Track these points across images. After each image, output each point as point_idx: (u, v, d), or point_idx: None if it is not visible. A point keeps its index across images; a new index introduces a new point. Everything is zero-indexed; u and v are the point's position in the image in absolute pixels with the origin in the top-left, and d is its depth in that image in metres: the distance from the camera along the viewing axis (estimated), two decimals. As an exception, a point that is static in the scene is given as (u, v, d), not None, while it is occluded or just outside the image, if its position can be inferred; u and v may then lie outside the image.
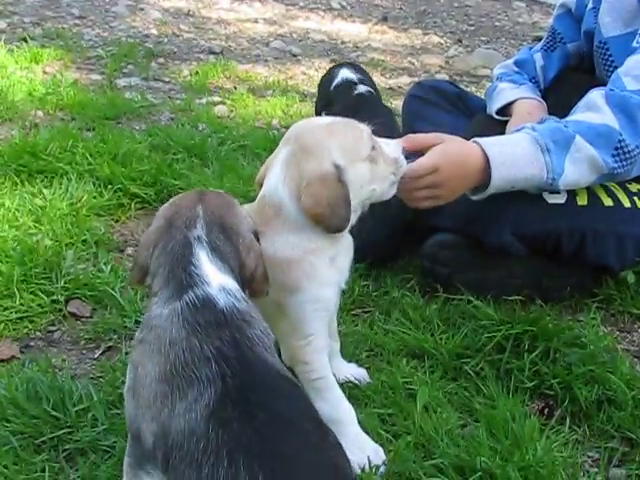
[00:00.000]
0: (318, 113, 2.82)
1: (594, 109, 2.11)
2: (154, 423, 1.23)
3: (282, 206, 1.61)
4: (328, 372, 1.68)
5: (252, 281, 1.43)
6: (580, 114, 2.13)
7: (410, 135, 1.98)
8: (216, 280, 1.34)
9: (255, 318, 1.35)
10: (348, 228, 1.66)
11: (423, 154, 1.94)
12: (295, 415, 1.22)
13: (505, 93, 2.64)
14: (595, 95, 2.14)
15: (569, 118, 2.12)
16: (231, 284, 1.36)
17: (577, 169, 2.05)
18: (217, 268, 1.36)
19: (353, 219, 1.67)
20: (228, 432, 1.15)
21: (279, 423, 1.18)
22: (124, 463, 1.38)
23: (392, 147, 1.76)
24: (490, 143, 2.02)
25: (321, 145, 1.62)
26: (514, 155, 2.01)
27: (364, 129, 1.69)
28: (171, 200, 1.50)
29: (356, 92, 2.79)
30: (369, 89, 2.85)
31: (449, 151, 1.96)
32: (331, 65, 3.15)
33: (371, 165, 1.67)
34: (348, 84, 2.78)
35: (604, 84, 2.34)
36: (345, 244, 1.72)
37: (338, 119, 1.73)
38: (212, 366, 1.22)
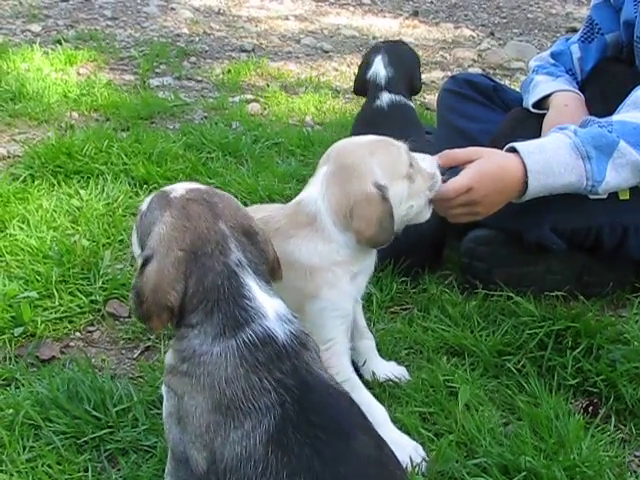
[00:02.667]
0: (356, 92, 2.82)
1: None
2: (205, 451, 1.22)
3: (318, 217, 1.65)
4: (352, 374, 1.71)
5: (272, 271, 1.40)
6: (626, 113, 2.07)
7: (447, 151, 1.95)
8: (271, 309, 1.28)
9: (305, 333, 1.32)
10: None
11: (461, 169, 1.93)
12: (353, 430, 1.20)
13: (542, 86, 2.60)
14: None
15: (615, 117, 2.05)
16: (281, 306, 1.31)
17: (619, 175, 2.00)
18: (266, 292, 1.30)
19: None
20: (288, 455, 1.14)
21: (339, 441, 1.17)
22: None
23: (428, 163, 1.78)
24: (529, 151, 1.97)
25: (362, 165, 1.64)
26: (553, 163, 1.96)
27: (401, 147, 1.71)
28: (168, 221, 1.31)
29: (376, 104, 2.60)
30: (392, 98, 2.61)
31: (484, 169, 1.93)
32: None
33: (409, 182, 1.69)
34: (374, 84, 2.69)
35: (644, 75, 2.30)
36: (368, 262, 1.75)
37: (376, 138, 1.73)
38: (272, 396, 1.19)
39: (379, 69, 2.61)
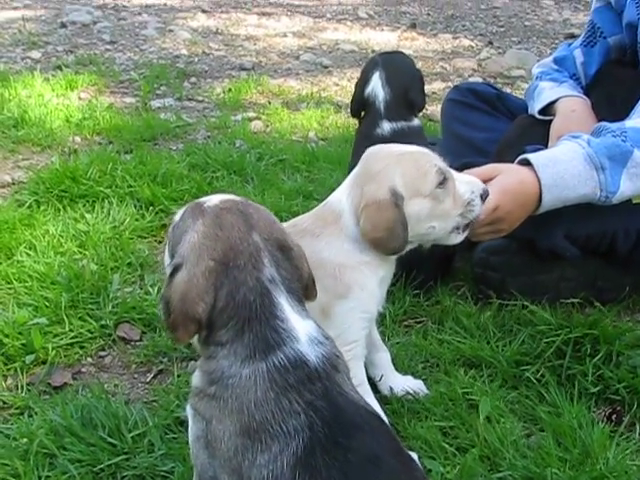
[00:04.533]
0: (353, 114, 2.71)
1: None
2: (235, 475, 1.18)
3: (342, 215, 1.66)
4: (365, 379, 1.72)
5: (306, 289, 1.35)
6: (638, 118, 2.05)
7: (466, 171, 1.92)
8: (303, 331, 1.24)
9: (336, 353, 1.28)
10: (403, 252, 1.67)
11: None
12: (383, 452, 1.17)
13: (547, 92, 2.58)
14: None
15: (628, 124, 2.02)
16: (314, 328, 1.27)
17: (634, 184, 1.97)
18: (298, 313, 1.26)
19: (407, 248, 1.67)
20: (315, 478, 1.10)
21: (368, 464, 1.13)
22: None
23: (468, 186, 1.71)
24: (543, 164, 1.94)
25: (384, 171, 1.63)
26: (567, 175, 1.93)
27: (436, 164, 1.66)
28: (200, 229, 1.27)
29: (377, 132, 2.46)
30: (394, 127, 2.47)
31: (506, 186, 1.90)
32: None
33: (433, 202, 1.64)
34: (374, 108, 2.50)
35: (650, 77, 2.28)
36: (391, 268, 1.73)
37: (414, 149, 1.71)
38: (301, 418, 1.15)
39: (377, 89, 2.49)
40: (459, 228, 1.72)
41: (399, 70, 2.59)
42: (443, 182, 1.64)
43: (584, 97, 2.54)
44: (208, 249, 1.24)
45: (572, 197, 1.96)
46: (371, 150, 1.73)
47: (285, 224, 1.48)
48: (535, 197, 1.94)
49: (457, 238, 1.74)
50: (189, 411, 1.30)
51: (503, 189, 1.88)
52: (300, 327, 1.24)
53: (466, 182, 1.71)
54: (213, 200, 1.33)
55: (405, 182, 1.62)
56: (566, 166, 1.94)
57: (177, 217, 1.38)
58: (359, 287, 1.64)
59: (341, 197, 1.68)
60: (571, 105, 2.49)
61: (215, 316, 1.23)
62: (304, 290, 1.33)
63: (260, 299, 1.23)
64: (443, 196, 1.65)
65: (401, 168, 1.63)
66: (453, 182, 1.67)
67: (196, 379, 1.29)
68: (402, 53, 2.80)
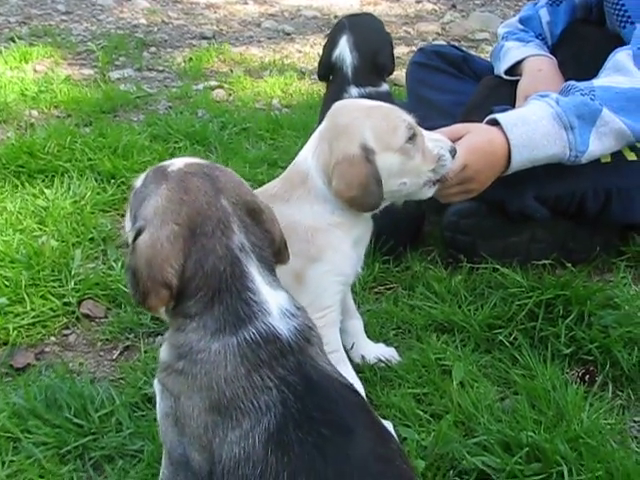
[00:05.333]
0: (321, 78, 2.64)
1: (622, 71, 2.01)
2: (205, 452, 1.14)
3: (309, 176, 1.61)
4: (341, 346, 1.68)
5: (278, 253, 1.30)
6: (607, 77, 2.02)
7: (434, 131, 1.88)
8: (275, 304, 1.19)
9: (309, 324, 1.24)
10: (378, 210, 1.64)
11: None
12: (357, 425, 1.13)
13: (513, 52, 2.55)
14: (622, 56, 2.04)
15: (596, 82, 1.99)
16: (285, 300, 1.22)
17: (603, 143, 1.95)
18: (269, 284, 1.21)
19: (380, 206, 1.63)
20: (289, 454, 1.07)
21: (343, 438, 1.10)
22: None
23: (437, 144, 1.68)
24: (512, 123, 1.91)
25: (353, 125, 1.58)
26: (536, 135, 1.91)
27: (405, 119, 1.62)
28: (164, 193, 1.20)
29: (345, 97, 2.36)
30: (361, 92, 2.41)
31: (475, 145, 1.86)
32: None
33: (403, 157, 1.60)
34: (342, 73, 2.43)
35: (615, 36, 2.25)
36: (366, 228, 1.70)
37: (383, 105, 1.66)
38: (273, 393, 1.11)
39: (345, 54, 2.42)
40: (430, 182, 1.68)
41: (367, 34, 2.52)
42: (412, 137, 1.60)
43: (551, 56, 2.51)
44: (172, 213, 1.18)
45: (541, 157, 1.94)
46: (338, 104, 1.68)
47: (254, 192, 1.42)
48: (504, 157, 1.91)
49: (428, 192, 1.70)
50: (157, 387, 1.25)
51: (471, 147, 1.85)
52: (272, 299, 1.20)
53: (434, 139, 1.68)
54: (177, 164, 1.27)
55: (375, 136, 1.57)
56: (535, 126, 1.91)
57: (138, 182, 1.31)
58: (332, 249, 1.60)
59: (307, 155, 1.62)
60: (538, 64, 2.46)
61: (183, 285, 1.17)
62: (276, 254, 1.28)
63: (230, 269, 1.18)
64: (413, 151, 1.61)
65: (370, 122, 1.58)
66: (422, 138, 1.64)
67: (164, 353, 1.24)
68: (371, 15, 2.71)
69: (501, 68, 2.54)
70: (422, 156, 1.63)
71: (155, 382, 1.25)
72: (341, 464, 1.07)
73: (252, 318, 1.16)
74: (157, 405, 1.25)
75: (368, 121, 1.58)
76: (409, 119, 1.63)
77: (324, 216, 1.59)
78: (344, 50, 2.43)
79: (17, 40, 4.69)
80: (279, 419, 1.09)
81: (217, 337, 1.15)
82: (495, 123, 1.93)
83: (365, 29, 2.52)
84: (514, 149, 1.89)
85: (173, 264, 1.16)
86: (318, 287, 1.60)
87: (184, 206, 1.19)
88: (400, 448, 1.20)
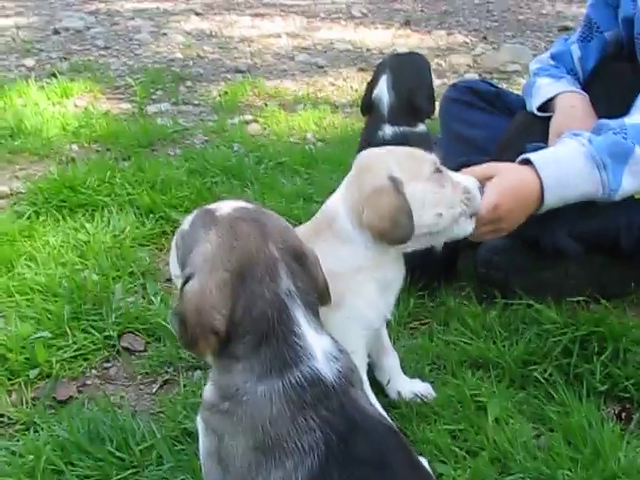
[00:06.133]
0: (363, 114, 2.69)
1: None
2: None
3: (337, 219, 1.63)
4: (368, 389, 1.66)
5: (321, 296, 1.33)
6: (638, 115, 2.04)
7: (463, 170, 1.91)
8: (319, 348, 1.22)
9: (351, 367, 1.26)
10: (410, 248, 1.65)
11: None
12: (399, 466, 1.15)
13: (545, 88, 2.57)
14: None
15: (627, 121, 2.01)
16: (329, 343, 1.25)
17: (636, 181, 1.97)
18: (314, 329, 1.23)
19: (416, 245, 1.65)
20: None
21: (385, 478, 1.13)
22: None
23: (463, 177, 1.71)
24: (544, 163, 1.93)
25: (377, 162, 1.62)
26: (569, 175, 1.93)
27: (429, 157, 1.66)
28: (214, 239, 1.23)
29: (379, 135, 2.43)
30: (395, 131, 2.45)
31: (506, 185, 1.88)
32: (360, 74, 2.78)
33: (434, 185, 1.62)
34: (378, 110, 2.48)
35: (647, 71, 2.27)
36: (395, 272, 1.70)
37: (403, 148, 1.71)
38: (316, 434, 1.13)
39: (383, 93, 2.48)
40: (466, 214, 1.69)
41: (406, 74, 2.56)
42: (437, 170, 1.64)
43: (583, 92, 2.52)
44: (222, 260, 1.20)
45: (574, 196, 1.95)
46: (360, 154, 1.72)
47: None
48: (536, 197, 1.93)
49: (468, 226, 1.71)
50: (200, 424, 1.28)
51: (503, 187, 1.87)
52: (316, 343, 1.22)
53: (457, 175, 1.71)
54: (225, 208, 1.30)
55: (401, 168, 1.60)
56: (567, 165, 1.93)
57: (186, 225, 1.34)
58: (353, 295, 1.60)
59: (336, 201, 1.66)
60: (570, 101, 2.47)
61: (231, 329, 1.19)
62: (319, 297, 1.31)
63: (277, 314, 1.20)
64: (442, 181, 1.64)
65: (394, 157, 1.62)
66: (447, 172, 1.67)
67: (208, 393, 1.27)
68: (417, 55, 2.73)
69: (533, 105, 2.56)
70: (452, 186, 1.66)
71: (198, 420, 1.28)
72: None
73: (297, 362, 1.18)
74: (200, 443, 1.27)
75: (392, 156, 1.63)
76: (432, 157, 1.66)
77: (348, 260, 1.60)
78: (382, 89, 2.48)
79: (58, 75, 4.80)
80: (322, 460, 1.11)
81: (263, 380, 1.17)
82: (527, 162, 1.96)
83: (405, 69, 2.57)
84: (547, 189, 1.91)
85: (222, 311, 1.18)
86: (339, 333, 1.59)
87: (234, 253, 1.21)
88: None
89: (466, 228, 1.71)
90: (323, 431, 1.14)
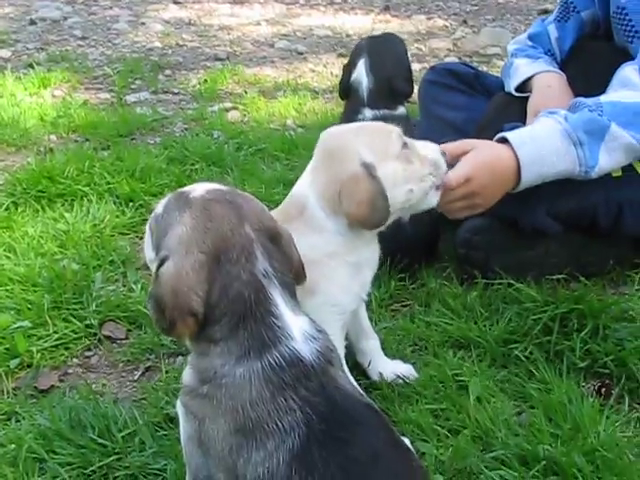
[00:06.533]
0: (342, 98, 2.67)
1: (629, 86, 2.04)
2: (229, 473, 1.16)
3: (307, 207, 1.61)
4: (347, 371, 1.64)
5: (297, 275, 1.33)
6: (614, 93, 2.05)
7: (440, 145, 1.91)
8: (298, 328, 1.21)
9: (330, 346, 1.26)
10: (384, 227, 1.64)
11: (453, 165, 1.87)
12: (380, 444, 1.16)
13: (522, 69, 2.57)
14: (629, 71, 2.07)
15: (603, 98, 2.02)
16: (307, 323, 1.24)
17: (612, 158, 1.98)
18: (292, 309, 1.23)
19: (389, 220, 1.64)
20: (312, 474, 1.09)
21: (366, 457, 1.13)
22: None
23: (429, 149, 1.71)
24: (520, 141, 1.94)
25: (347, 147, 1.60)
26: (545, 152, 1.94)
27: (393, 130, 1.65)
28: (188, 221, 1.22)
29: (359, 118, 2.42)
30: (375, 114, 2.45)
31: (480, 159, 1.89)
32: (340, 60, 2.79)
33: (404, 164, 1.62)
34: (357, 94, 2.49)
35: (624, 50, 2.28)
36: (369, 254, 1.69)
37: (362, 123, 1.70)
38: (296, 414, 1.13)
39: (361, 76, 2.48)
40: (434, 187, 1.70)
41: (385, 57, 2.56)
42: (405, 145, 1.63)
43: (560, 72, 2.53)
44: (197, 241, 1.20)
45: (551, 173, 1.96)
46: (322, 135, 1.69)
47: None
48: (513, 174, 1.93)
49: (433, 198, 1.71)
50: (180, 409, 1.28)
51: (477, 161, 1.88)
52: (294, 323, 1.22)
53: (423, 146, 1.70)
54: (198, 190, 1.29)
55: (371, 150, 1.58)
56: (544, 142, 1.94)
57: (159, 208, 1.33)
58: (327, 281, 1.60)
59: (304, 187, 1.63)
60: (547, 80, 2.48)
61: (208, 311, 1.19)
62: (295, 276, 1.31)
63: (254, 295, 1.20)
64: (411, 156, 1.63)
65: (361, 139, 1.60)
66: (413, 145, 1.67)
67: (187, 377, 1.26)
68: (393, 37, 2.73)
69: (511, 85, 2.57)
70: (420, 161, 1.66)
71: (178, 404, 1.28)
72: None
73: (276, 343, 1.18)
74: (181, 428, 1.28)
75: (358, 139, 1.60)
76: (397, 129, 1.66)
77: (319, 247, 1.58)
78: (361, 73, 2.48)
79: (35, 66, 4.76)
80: (303, 439, 1.11)
81: (242, 362, 1.17)
82: (504, 141, 1.96)
83: (382, 52, 2.57)
84: (523, 167, 1.91)
85: (198, 292, 1.18)
86: (316, 319, 1.60)
87: (209, 234, 1.21)
88: (421, 465, 1.23)
89: (431, 200, 1.71)
90: (303, 411, 1.14)
